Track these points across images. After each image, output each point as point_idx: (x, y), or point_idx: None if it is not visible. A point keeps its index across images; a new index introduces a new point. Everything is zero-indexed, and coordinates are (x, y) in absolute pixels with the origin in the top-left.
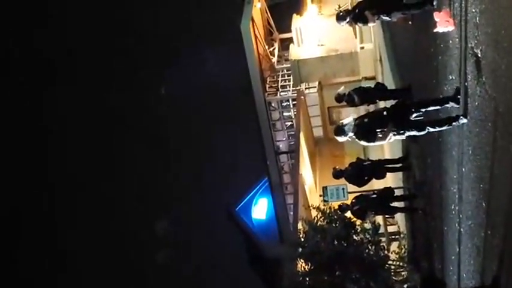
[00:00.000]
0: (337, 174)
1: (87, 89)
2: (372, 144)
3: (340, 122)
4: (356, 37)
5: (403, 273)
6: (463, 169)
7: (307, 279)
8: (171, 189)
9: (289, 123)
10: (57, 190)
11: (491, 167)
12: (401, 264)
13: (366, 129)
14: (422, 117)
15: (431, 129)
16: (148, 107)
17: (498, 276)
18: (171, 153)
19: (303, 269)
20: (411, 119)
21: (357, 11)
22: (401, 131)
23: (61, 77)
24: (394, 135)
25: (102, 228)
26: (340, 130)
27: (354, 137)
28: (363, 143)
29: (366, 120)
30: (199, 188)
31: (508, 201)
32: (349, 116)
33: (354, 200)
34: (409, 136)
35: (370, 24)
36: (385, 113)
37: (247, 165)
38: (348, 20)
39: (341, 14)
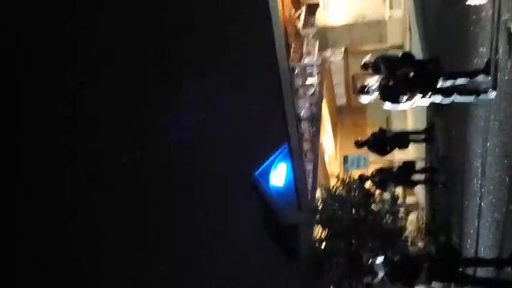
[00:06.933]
0: (359, 143)
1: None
2: (395, 107)
3: (366, 81)
4: (385, 4)
5: (419, 244)
6: (488, 143)
7: (323, 244)
8: (190, 160)
9: (311, 90)
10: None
11: None
12: (418, 235)
13: (391, 92)
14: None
15: (458, 97)
16: None
17: None
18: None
19: (319, 235)
20: (438, 85)
21: None
22: (427, 96)
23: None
24: (420, 99)
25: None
26: (365, 89)
27: (378, 97)
28: (386, 104)
29: (392, 82)
30: (217, 154)
31: None
32: None
33: (374, 172)
34: (434, 103)
35: None
36: (411, 75)
37: (267, 132)
38: None
39: None
